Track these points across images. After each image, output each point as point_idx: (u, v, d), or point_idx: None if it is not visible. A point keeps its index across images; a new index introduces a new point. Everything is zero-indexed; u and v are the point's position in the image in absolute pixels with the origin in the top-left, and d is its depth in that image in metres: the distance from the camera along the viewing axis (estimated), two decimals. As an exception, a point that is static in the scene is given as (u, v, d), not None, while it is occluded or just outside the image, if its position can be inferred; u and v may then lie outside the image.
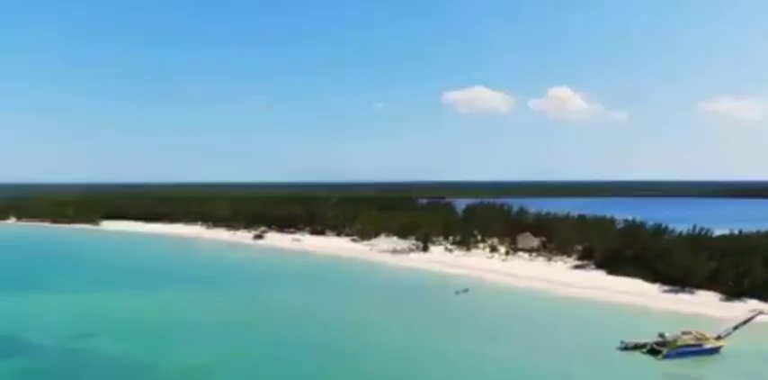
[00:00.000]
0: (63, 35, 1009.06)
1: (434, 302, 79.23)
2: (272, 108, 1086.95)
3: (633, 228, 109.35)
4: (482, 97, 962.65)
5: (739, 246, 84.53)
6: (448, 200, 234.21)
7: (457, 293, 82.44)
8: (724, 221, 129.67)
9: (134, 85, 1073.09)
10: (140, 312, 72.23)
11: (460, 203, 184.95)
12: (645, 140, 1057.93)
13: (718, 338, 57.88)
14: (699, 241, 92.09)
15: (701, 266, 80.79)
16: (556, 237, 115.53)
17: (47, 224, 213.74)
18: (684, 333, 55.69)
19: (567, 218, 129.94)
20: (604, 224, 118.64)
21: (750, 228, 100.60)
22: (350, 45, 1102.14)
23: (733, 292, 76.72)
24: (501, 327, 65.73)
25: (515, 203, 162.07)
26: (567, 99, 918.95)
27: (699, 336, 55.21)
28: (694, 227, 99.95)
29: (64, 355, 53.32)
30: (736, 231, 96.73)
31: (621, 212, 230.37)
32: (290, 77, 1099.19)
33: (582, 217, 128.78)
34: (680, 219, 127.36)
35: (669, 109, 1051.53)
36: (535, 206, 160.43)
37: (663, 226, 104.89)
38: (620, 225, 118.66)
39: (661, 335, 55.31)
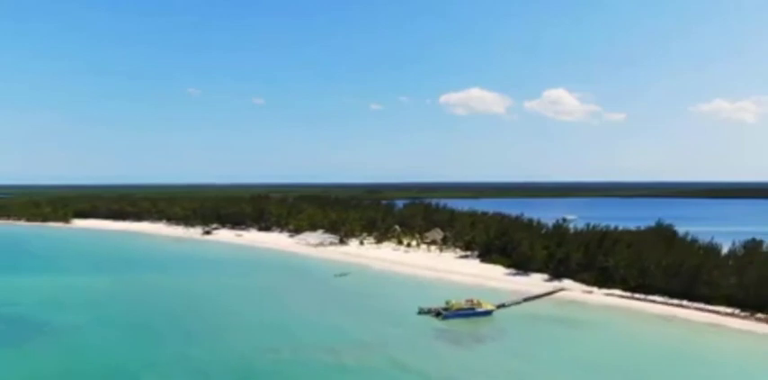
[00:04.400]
0: (64, 35, 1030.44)
1: (314, 282, 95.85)
2: (269, 110, 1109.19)
3: (508, 223, 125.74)
4: (478, 99, 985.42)
5: (565, 236, 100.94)
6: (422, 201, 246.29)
7: (336, 276, 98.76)
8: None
9: (134, 86, 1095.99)
10: (62, 288, 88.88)
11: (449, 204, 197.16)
12: (640, 141, 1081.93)
13: (502, 305, 74.45)
14: (554, 234, 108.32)
15: (537, 253, 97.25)
16: (452, 231, 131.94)
17: (22, 223, 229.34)
18: (467, 301, 72.13)
19: (473, 214, 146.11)
20: (495, 219, 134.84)
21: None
22: (347, 47, 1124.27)
23: (556, 274, 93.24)
24: (346, 299, 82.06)
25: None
26: (562, 100, 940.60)
27: (475, 302, 71.58)
28: (557, 221, 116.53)
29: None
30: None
31: (587, 211, 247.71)
32: (287, 79, 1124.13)
33: (484, 213, 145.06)
34: (640, 218, 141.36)
35: (664, 110, 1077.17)
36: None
37: (536, 221, 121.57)
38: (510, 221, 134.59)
39: (447, 302, 71.77)
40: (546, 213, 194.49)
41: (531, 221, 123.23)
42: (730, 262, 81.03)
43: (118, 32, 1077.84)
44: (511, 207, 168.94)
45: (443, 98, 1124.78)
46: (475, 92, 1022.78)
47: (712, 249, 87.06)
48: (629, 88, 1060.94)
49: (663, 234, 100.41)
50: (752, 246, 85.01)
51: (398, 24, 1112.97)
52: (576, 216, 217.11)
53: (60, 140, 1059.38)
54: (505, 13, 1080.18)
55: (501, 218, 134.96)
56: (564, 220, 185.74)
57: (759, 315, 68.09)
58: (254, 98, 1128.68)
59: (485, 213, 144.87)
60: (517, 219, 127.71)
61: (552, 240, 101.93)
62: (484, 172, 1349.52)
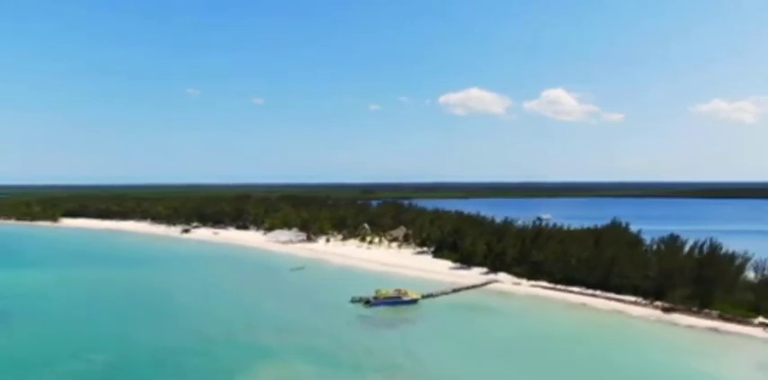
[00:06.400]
0: (64, 35, 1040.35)
1: (269, 276, 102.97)
2: (269, 109, 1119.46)
3: (463, 221, 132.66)
4: (477, 99, 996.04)
5: (506, 233, 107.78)
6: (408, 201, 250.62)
7: (292, 269, 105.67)
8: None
9: (134, 86, 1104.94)
10: (39, 281, 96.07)
11: (444, 205, 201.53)
12: (639, 141, 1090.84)
13: (429, 295, 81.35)
14: (499, 230, 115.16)
15: (478, 249, 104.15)
16: (413, 228, 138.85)
17: (12, 222, 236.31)
18: (395, 290, 79.05)
19: (435, 213, 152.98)
20: (452, 218, 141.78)
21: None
22: (347, 47, 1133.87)
23: (493, 267, 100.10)
24: (294, 290, 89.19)
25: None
26: (561, 100, 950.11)
27: (402, 292, 78.48)
28: (505, 219, 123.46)
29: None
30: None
31: (575, 211, 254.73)
32: (287, 79, 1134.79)
33: (446, 212, 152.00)
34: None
35: (663, 110, 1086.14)
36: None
37: (488, 219, 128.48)
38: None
39: (377, 291, 78.68)
40: (532, 213, 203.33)
41: (483, 218, 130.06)
42: (649, 256, 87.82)
43: (118, 33, 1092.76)
44: (501, 207, 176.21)
45: (443, 98, 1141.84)
46: (474, 92, 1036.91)
47: (634, 245, 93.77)
48: (627, 88, 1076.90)
49: (594, 232, 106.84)
50: (669, 241, 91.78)
51: (398, 24, 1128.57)
52: (550, 215, 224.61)
53: (60, 140, 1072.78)
54: (505, 13, 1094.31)
55: (458, 216, 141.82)
56: (539, 219, 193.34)
57: (657, 303, 74.98)
58: (254, 98, 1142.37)
59: (447, 212, 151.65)
60: (471, 217, 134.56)
61: (495, 237, 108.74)
62: (483, 172, 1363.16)
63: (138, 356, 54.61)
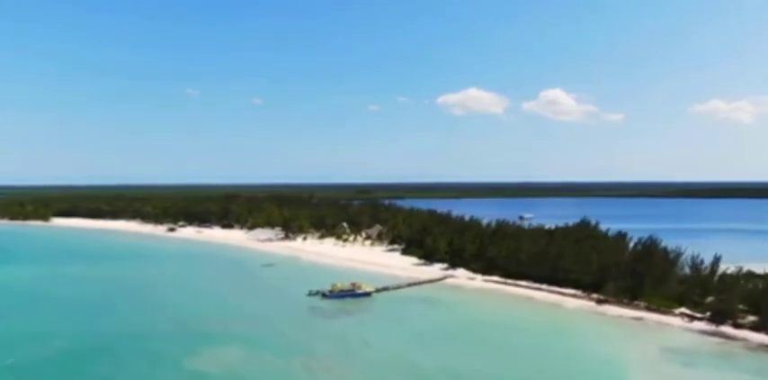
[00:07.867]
0: (64, 35, 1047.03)
1: (241, 271, 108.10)
2: (268, 109, 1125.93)
3: (430, 219, 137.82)
4: (476, 99, 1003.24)
5: (466, 231, 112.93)
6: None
7: (263, 266, 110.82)
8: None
9: (134, 86, 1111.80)
10: (21, 276, 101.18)
11: (438, 205, 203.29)
12: (638, 141, 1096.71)
13: (384, 289, 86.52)
14: (462, 228, 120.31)
15: (440, 246, 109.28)
16: (388, 227, 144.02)
17: (5, 221, 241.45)
18: (351, 284, 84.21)
19: (410, 212, 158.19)
20: (422, 216, 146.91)
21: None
22: (347, 47, 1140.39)
23: (453, 263, 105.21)
24: (260, 284, 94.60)
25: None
26: (559, 100, 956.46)
27: (357, 285, 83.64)
28: (471, 218, 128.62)
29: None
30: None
31: (567, 211, 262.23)
32: (287, 79, 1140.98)
33: (419, 211, 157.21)
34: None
35: (662, 110, 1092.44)
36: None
37: (455, 218, 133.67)
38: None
39: (333, 285, 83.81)
40: (521, 213, 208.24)
41: (449, 217, 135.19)
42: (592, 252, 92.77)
43: (118, 33, 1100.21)
44: (493, 207, 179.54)
45: (441, 98, 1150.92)
46: (472, 92, 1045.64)
47: (579, 242, 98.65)
48: (627, 89, 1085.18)
49: (549, 230, 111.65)
50: (616, 238, 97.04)
51: (398, 24, 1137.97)
52: (532, 215, 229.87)
53: (60, 140, 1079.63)
54: (505, 13, 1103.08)
55: (429, 215, 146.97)
56: (521, 218, 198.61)
57: (593, 295, 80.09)
58: (254, 98, 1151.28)
59: (419, 211, 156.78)
60: (439, 216, 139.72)
61: (458, 235, 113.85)
62: (482, 172, 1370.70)
63: (114, 341, 59.49)
